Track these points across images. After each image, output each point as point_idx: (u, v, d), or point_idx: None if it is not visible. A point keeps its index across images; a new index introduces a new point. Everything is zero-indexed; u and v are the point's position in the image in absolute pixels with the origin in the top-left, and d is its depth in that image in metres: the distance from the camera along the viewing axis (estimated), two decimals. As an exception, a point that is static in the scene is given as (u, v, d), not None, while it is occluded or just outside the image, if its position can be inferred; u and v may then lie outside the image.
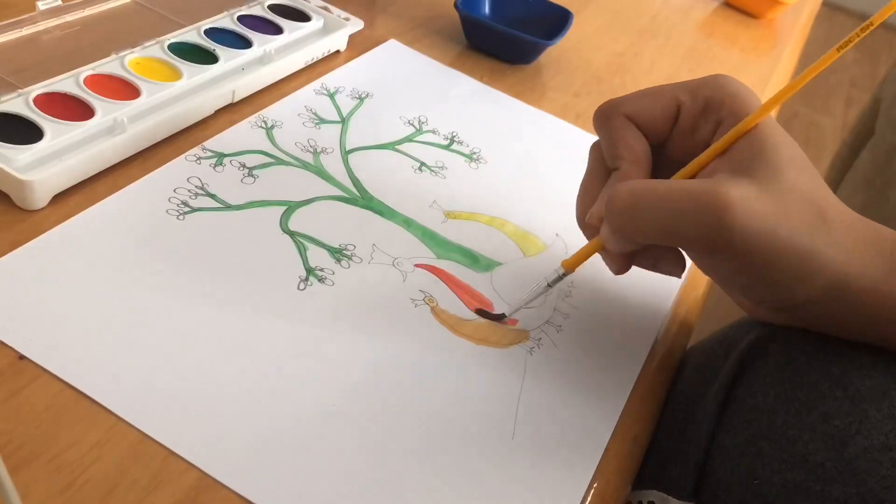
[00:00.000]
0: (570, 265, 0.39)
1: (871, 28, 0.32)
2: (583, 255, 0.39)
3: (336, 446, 0.33)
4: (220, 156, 0.45)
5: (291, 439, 0.32)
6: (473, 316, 0.41)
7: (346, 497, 0.31)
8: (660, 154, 0.39)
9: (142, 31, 0.50)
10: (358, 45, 0.60)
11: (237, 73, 0.50)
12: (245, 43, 0.53)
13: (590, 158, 0.40)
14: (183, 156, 0.44)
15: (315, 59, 0.56)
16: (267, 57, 0.52)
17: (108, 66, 0.46)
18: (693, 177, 0.36)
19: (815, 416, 0.34)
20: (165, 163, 0.43)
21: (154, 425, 0.31)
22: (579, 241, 0.48)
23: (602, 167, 0.39)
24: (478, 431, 0.35)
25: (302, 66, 0.55)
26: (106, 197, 0.40)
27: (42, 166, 0.39)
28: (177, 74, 0.47)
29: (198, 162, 0.44)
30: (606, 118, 0.38)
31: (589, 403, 0.38)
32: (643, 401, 0.40)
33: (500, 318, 0.41)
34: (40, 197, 0.38)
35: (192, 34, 0.51)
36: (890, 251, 0.35)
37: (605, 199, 0.35)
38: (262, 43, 0.53)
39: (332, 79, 0.56)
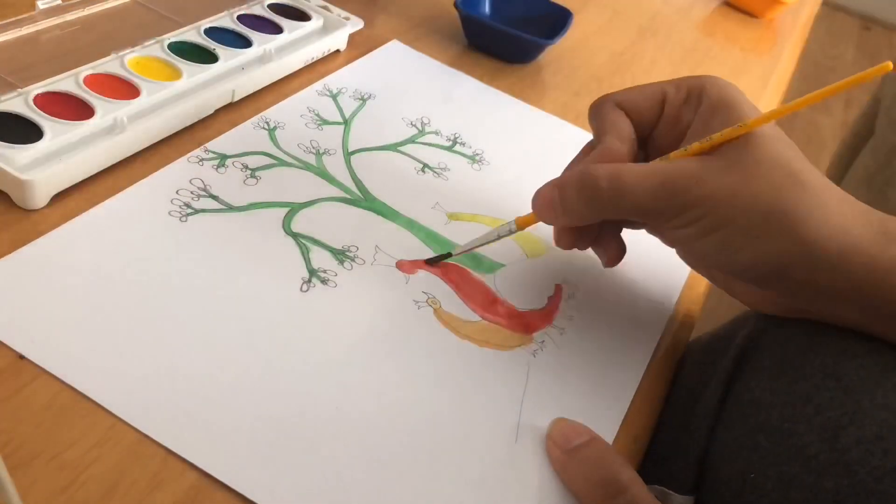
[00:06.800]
0: (522, 224, 0.42)
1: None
2: (532, 219, 0.41)
3: (337, 447, 0.33)
4: (223, 157, 0.45)
5: (292, 440, 0.32)
6: (477, 318, 0.41)
7: (346, 498, 0.31)
8: (649, 147, 0.42)
9: (142, 30, 0.50)
10: (358, 44, 0.60)
11: (237, 72, 0.50)
12: (245, 42, 0.52)
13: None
14: (185, 157, 0.44)
15: (315, 59, 0.56)
16: (267, 56, 0.52)
17: (107, 65, 0.46)
18: None
19: (810, 408, 0.34)
20: (166, 163, 0.43)
21: (154, 425, 0.31)
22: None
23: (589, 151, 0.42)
24: (481, 434, 0.35)
25: (302, 65, 0.55)
26: (106, 196, 0.40)
27: (42, 166, 0.38)
28: (177, 74, 0.47)
29: (200, 163, 0.44)
30: (598, 105, 0.42)
31: (592, 406, 0.38)
32: (643, 401, 0.40)
33: (445, 256, 0.43)
34: (40, 197, 0.38)
35: (191, 33, 0.51)
36: (879, 221, 0.35)
37: (577, 172, 0.38)
38: (262, 42, 0.53)
39: (334, 80, 0.55)
